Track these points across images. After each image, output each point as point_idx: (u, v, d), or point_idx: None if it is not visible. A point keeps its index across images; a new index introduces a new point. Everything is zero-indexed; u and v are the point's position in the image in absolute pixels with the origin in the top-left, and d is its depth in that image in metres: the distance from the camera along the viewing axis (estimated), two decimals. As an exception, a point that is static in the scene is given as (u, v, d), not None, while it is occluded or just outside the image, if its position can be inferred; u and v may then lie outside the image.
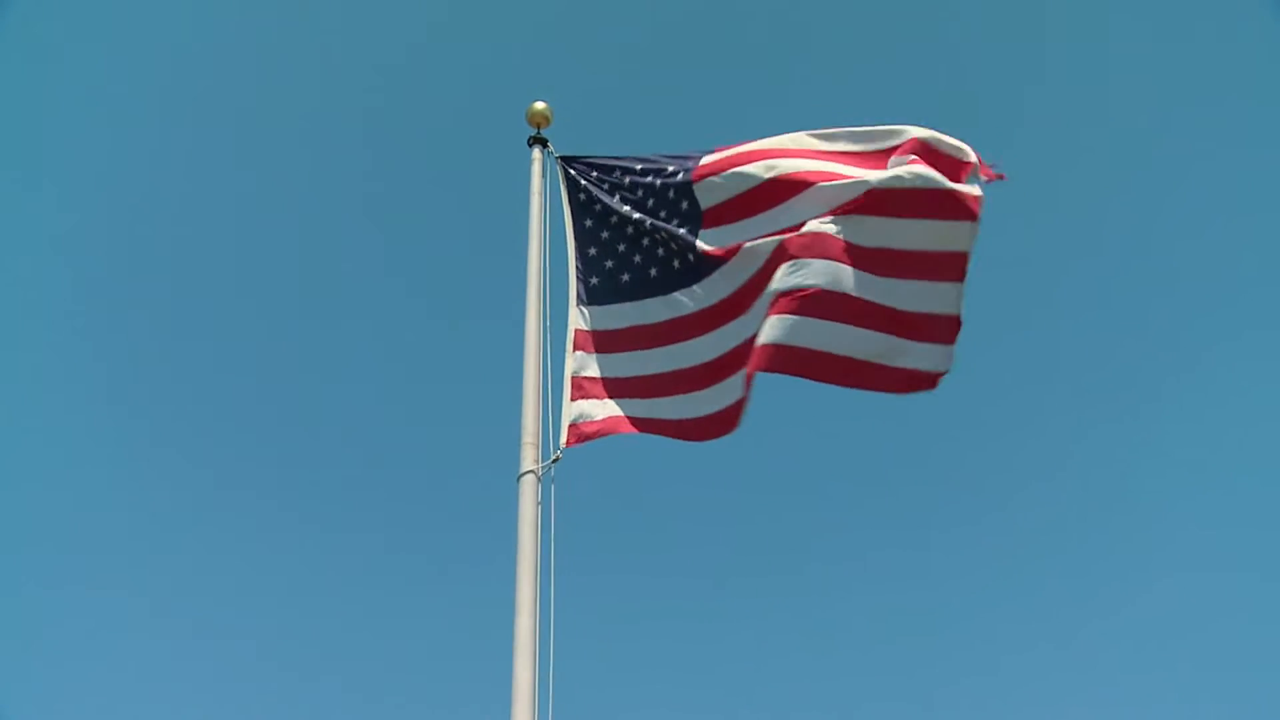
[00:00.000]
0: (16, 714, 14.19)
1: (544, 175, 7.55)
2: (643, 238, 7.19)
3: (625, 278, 7.13)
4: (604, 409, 6.62)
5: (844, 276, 6.30)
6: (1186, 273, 19.99)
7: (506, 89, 20.22)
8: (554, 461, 6.19)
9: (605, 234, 7.30)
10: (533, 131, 7.78)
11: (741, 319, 6.62)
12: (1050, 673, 17.11)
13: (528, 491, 5.97)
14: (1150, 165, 20.56)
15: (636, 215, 7.19)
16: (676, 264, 7.02)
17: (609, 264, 7.23)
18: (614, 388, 6.75)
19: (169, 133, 20.12)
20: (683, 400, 6.67)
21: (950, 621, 17.94)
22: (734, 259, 6.75)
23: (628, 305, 7.04)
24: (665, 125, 21.84)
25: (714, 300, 6.81)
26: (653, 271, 7.10)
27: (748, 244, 6.69)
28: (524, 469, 6.05)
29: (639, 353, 6.86)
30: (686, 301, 6.89)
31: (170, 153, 20.18)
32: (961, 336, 6.35)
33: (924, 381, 6.33)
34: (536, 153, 7.67)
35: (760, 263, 6.60)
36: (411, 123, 21.95)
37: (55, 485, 17.91)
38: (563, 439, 6.38)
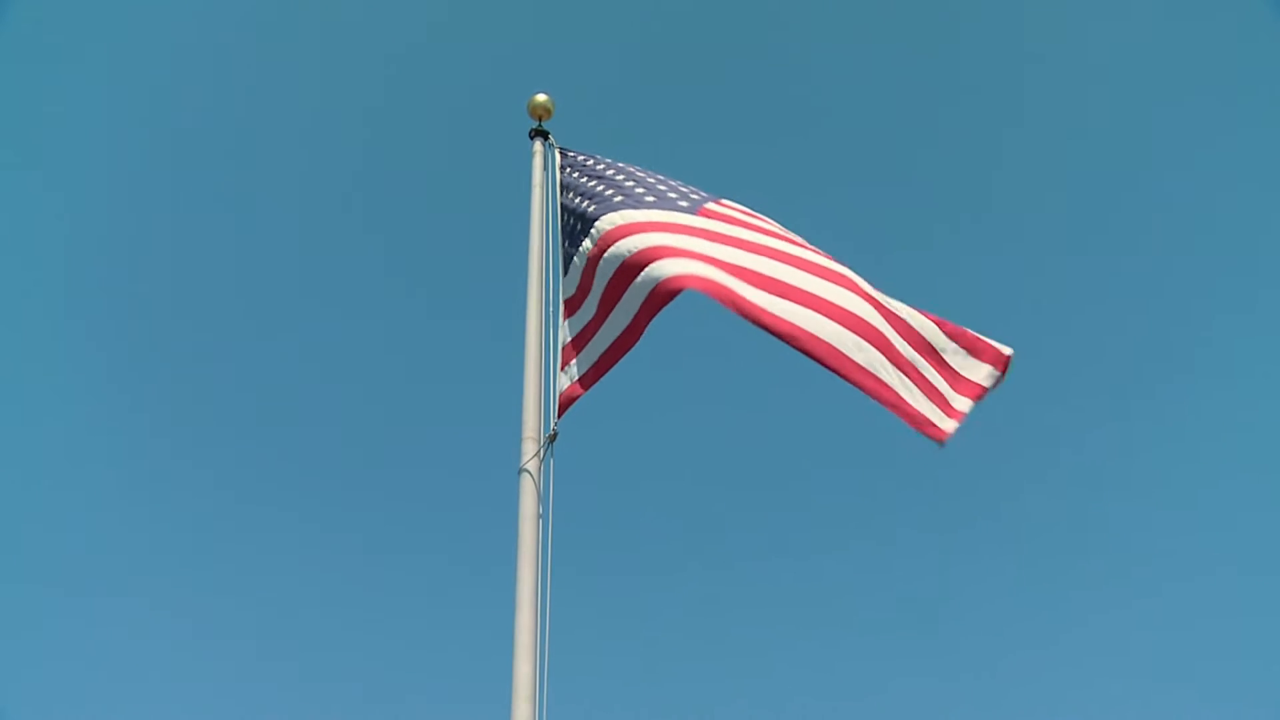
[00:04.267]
0: (16, 714, 14.16)
1: (545, 168, 7.44)
2: (634, 184, 6.76)
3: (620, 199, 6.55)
4: (596, 346, 6.05)
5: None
6: (1187, 272, 19.95)
7: (507, 82, 20.22)
8: (551, 439, 5.95)
9: (591, 183, 6.84)
10: (534, 124, 7.70)
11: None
12: (1046, 673, 17.06)
13: (528, 486, 5.80)
14: (1149, 163, 20.53)
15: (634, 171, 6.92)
16: (671, 194, 6.58)
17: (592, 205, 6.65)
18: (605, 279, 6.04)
19: (169, 130, 20.13)
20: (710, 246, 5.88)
21: (951, 616, 17.90)
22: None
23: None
24: (667, 119, 21.84)
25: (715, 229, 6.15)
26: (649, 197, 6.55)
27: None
28: (524, 463, 5.88)
29: (632, 237, 6.03)
30: (683, 217, 6.26)
31: (170, 151, 20.18)
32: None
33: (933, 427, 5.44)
34: (538, 145, 7.57)
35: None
36: (412, 116, 21.94)
37: (56, 486, 17.89)
38: (556, 415, 6.04)
